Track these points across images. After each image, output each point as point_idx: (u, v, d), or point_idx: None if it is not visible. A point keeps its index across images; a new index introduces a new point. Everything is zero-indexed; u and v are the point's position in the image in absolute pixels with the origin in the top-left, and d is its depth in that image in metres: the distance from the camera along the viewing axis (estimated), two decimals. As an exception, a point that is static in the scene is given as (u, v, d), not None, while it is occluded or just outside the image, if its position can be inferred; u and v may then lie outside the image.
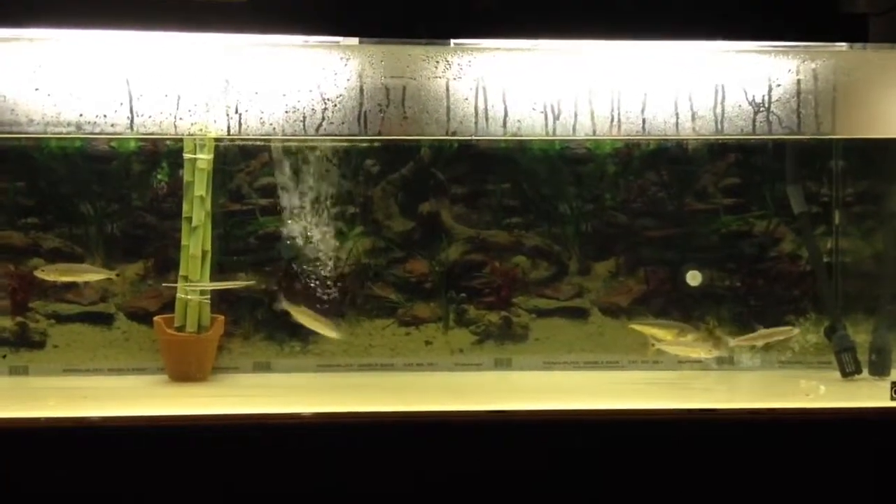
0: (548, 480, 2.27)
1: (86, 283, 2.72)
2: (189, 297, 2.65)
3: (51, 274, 2.64)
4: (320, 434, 2.27)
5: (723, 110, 2.52)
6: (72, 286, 2.72)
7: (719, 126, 2.53)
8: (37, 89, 2.39)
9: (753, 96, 2.52)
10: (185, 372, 2.69)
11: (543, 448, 2.27)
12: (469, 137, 2.55)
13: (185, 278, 2.67)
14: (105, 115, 2.41)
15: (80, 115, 2.40)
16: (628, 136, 2.58)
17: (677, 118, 2.52)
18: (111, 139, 2.71)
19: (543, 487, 2.27)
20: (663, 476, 2.29)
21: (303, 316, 2.69)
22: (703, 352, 2.65)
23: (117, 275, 2.71)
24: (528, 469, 2.27)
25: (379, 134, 2.48)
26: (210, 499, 2.21)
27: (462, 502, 2.26)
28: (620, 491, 2.29)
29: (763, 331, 2.71)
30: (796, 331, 2.75)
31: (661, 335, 2.67)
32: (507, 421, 2.31)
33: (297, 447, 2.24)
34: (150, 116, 2.42)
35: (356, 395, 2.60)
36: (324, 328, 2.69)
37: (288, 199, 2.79)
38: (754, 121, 2.53)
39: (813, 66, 2.50)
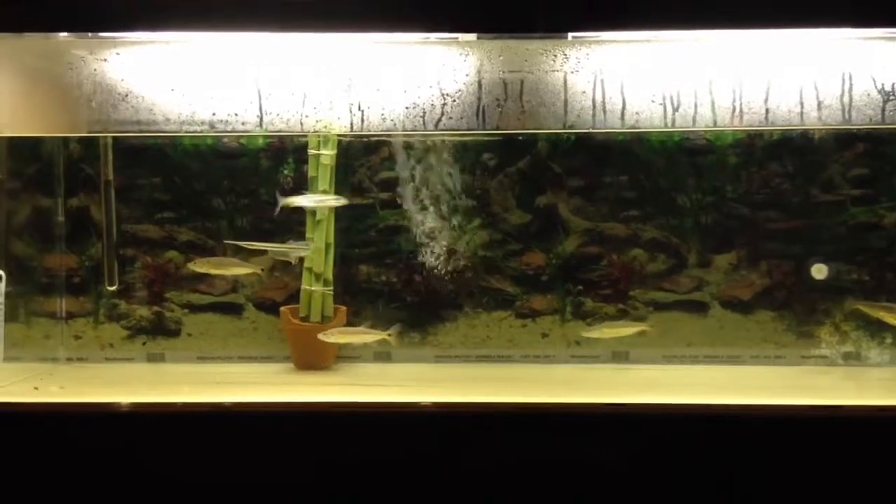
0: (664, 474, 2.25)
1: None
2: (314, 288, 2.75)
3: (203, 267, 2.76)
4: (438, 423, 2.31)
5: (850, 99, 2.44)
6: (204, 276, 2.83)
7: (846, 115, 2.45)
8: (172, 90, 2.52)
9: (882, 84, 2.43)
10: (309, 361, 2.78)
11: (660, 441, 2.26)
12: (585, 130, 2.55)
13: (310, 270, 2.76)
14: (236, 114, 2.52)
15: (213, 114, 2.52)
16: (750, 126, 2.53)
17: (802, 108, 2.46)
18: (240, 136, 2.82)
19: (658, 480, 2.26)
20: (786, 473, 2.24)
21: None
22: None
23: (262, 270, 2.81)
24: (644, 462, 2.26)
25: (497, 128, 2.51)
26: (331, 482, 2.28)
27: (577, 492, 2.27)
28: (740, 487, 2.25)
29: None
30: None
31: (889, 318, 2.64)
32: (625, 413, 2.31)
33: (416, 435, 2.29)
34: (277, 114, 2.52)
35: (473, 386, 2.64)
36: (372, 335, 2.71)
37: (408, 193, 2.84)
38: (884, 109, 2.44)
39: (948, 51, 2.40)
